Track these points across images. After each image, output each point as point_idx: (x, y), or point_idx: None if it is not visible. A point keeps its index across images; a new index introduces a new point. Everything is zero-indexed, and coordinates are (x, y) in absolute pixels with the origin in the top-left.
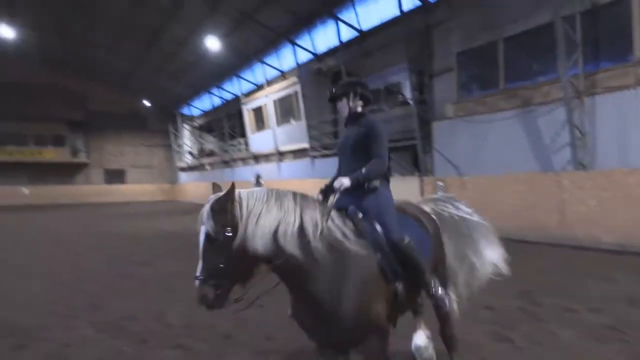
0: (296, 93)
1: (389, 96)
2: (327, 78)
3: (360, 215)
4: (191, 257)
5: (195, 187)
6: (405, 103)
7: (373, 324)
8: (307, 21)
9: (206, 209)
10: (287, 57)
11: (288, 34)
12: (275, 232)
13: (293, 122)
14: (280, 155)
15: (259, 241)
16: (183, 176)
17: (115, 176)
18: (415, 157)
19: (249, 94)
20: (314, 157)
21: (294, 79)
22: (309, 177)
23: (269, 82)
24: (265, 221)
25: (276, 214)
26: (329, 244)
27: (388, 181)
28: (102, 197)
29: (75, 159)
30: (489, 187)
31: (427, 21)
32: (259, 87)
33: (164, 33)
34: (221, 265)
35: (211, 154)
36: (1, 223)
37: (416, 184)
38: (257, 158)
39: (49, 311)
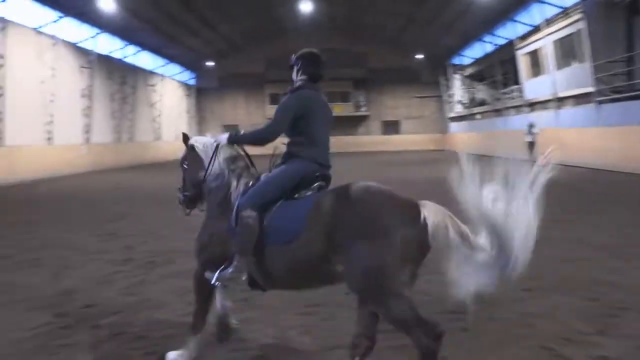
0: (579, 31)
1: None
2: (620, 11)
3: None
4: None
5: (465, 137)
6: None
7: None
8: None
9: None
10: None
11: None
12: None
13: (575, 64)
14: (559, 101)
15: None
16: (453, 126)
17: (391, 127)
18: None
19: (523, 37)
20: (601, 102)
21: (577, 15)
22: (593, 125)
23: (548, 22)
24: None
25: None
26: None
27: (301, 157)
28: (379, 147)
29: (358, 112)
30: None
31: None
32: (535, 29)
33: None
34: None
35: (482, 103)
36: None
37: None
38: (532, 105)
39: None
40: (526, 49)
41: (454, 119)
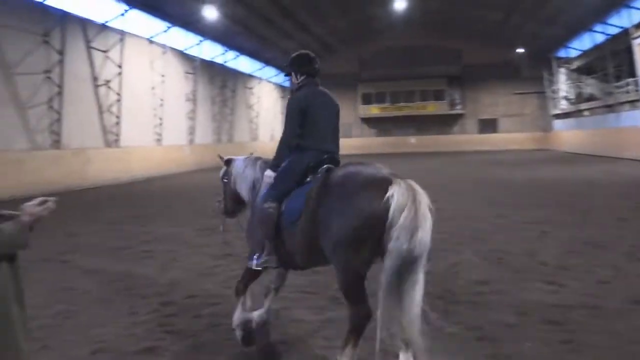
0: None
1: None
2: None
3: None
4: (560, 204)
5: (571, 135)
6: None
7: None
8: None
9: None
10: None
11: None
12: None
13: None
14: None
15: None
16: (557, 123)
17: (487, 125)
18: None
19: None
20: None
21: None
22: None
23: None
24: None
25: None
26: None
27: (303, 147)
28: (474, 146)
29: (453, 110)
30: None
31: None
32: None
33: None
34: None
35: (591, 98)
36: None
37: None
38: None
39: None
40: None
41: (558, 116)
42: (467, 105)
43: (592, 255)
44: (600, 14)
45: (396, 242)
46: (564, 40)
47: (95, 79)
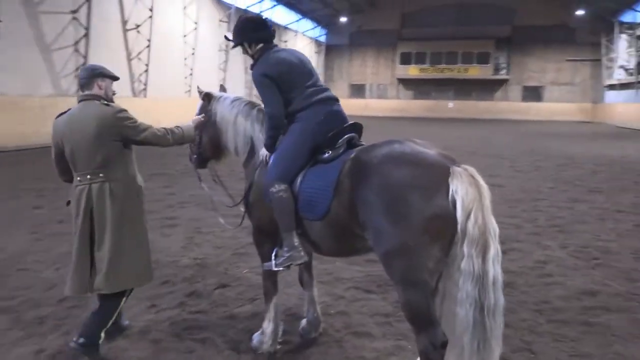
0: None
1: None
2: None
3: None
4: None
5: (625, 108)
6: None
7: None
8: None
9: None
10: None
11: None
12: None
13: None
14: None
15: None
16: (610, 95)
17: (532, 93)
18: None
19: None
20: None
21: None
22: None
23: None
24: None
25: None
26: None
27: (297, 117)
28: (516, 115)
29: (496, 75)
30: None
31: None
32: None
33: None
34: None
35: None
36: (447, 134)
37: None
38: None
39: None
40: None
41: (613, 86)
42: (512, 70)
43: None
44: None
45: (468, 262)
46: (631, 2)
47: (125, 22)
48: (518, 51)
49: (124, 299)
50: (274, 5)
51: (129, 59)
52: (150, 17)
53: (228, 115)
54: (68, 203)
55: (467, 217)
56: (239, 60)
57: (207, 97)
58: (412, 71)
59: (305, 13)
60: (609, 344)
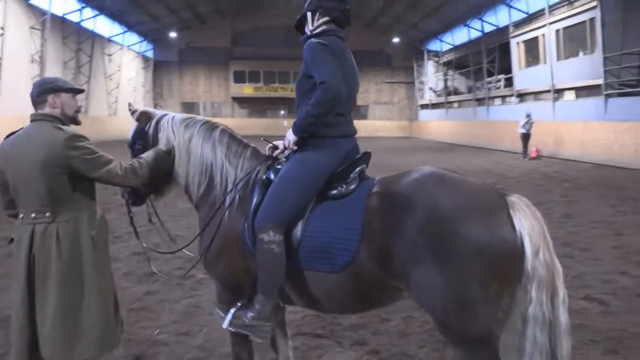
0: (592, 20)
1: None
2: (637, 1)
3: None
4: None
5: (438, 125)
6: None
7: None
8: None
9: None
10: None
11: None
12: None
13: (582, 54)
14: (557, 93)
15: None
16: (424, 113)
17: (358, 112)
18: None
19: (518, 24)
20: (608, 95)
21: (592, 3)
22: (599, 120)
23: (551, 8)
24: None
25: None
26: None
27: (328, 136)
28: None
29: None
30: None
31: None
32: (532, 16)
33: None
34: None
35: (456, 91)
36: None
37: None
38: (521, 96)
39: None
40: (523, 37)
41: (425, 106)
42: None
43: None
44: (477, 11)
45: (539, 307)
46: (437, 33)
47: None
48: None
49: None
50: (96, 15)
51: None
52: None
53: (178, 139)
54: (11, 241)
55: (536, 255)
56: (58, 73)
57: (144, 117)
58: (247, 90)
59: (130, 26)
60: None
